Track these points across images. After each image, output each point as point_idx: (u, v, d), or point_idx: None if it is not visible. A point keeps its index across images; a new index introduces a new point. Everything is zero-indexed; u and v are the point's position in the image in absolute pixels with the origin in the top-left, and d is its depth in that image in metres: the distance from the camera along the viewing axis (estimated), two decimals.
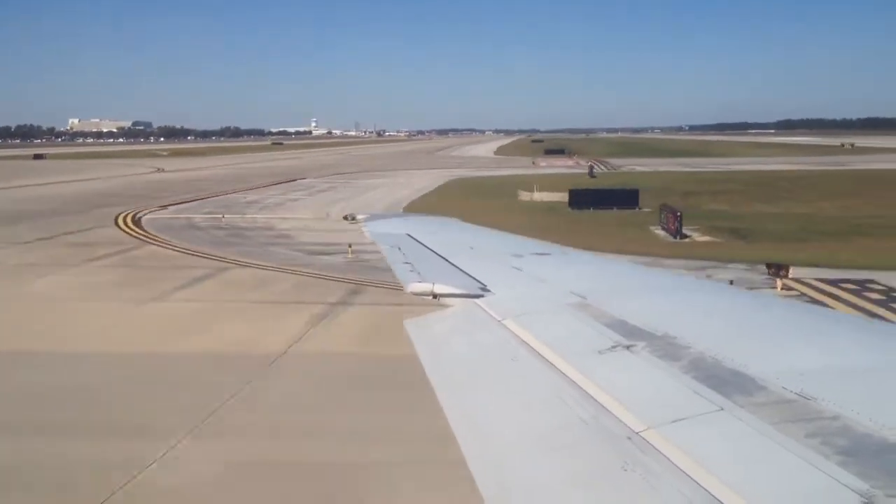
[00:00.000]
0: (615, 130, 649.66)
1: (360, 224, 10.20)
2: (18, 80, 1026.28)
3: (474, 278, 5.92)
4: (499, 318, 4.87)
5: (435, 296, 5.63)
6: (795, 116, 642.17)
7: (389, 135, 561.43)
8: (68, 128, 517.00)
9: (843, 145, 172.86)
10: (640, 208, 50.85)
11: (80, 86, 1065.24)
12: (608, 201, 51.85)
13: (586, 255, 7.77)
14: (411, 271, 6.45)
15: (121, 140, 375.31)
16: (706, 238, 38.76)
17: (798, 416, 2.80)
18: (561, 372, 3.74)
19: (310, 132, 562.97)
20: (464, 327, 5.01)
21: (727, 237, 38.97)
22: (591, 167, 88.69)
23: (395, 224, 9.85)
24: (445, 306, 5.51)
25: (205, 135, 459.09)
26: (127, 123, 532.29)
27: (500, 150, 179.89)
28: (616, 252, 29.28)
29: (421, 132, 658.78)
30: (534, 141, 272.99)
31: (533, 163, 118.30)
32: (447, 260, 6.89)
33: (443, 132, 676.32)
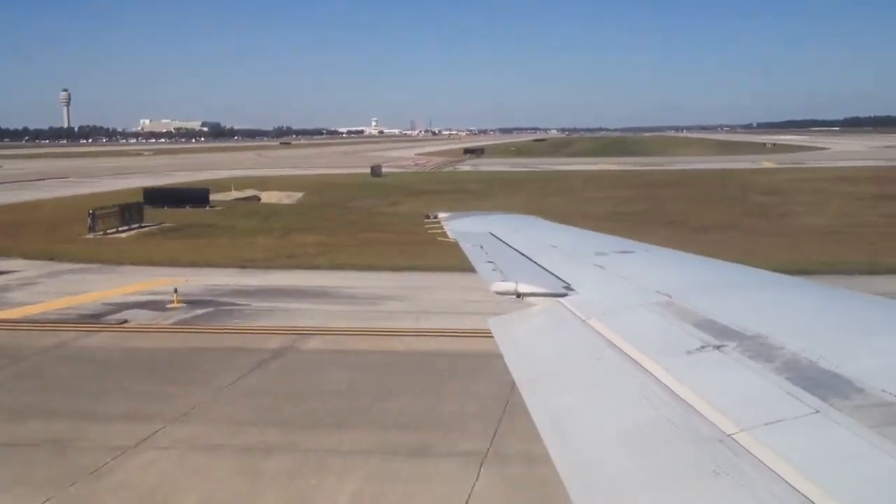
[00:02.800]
0: (681, 128, 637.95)
1: (441, 222, 10.37)
2: (93, 82, 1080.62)
3: (558, 277, 5.92)
4: (583, 318, 4.83)
5: (519, 295, 5.64)
6: (863, 114, 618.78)
7: (450, 134, 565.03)
8: (139, 128, 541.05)
9: (765, 144, 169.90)
10: (211, 206, 52.71)
11: (154, 87, 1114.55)
12: (182, 200, 53.06)
13: (670, 252, 7.72)
14: (494, 270, 6.50)
15: (162, 141, 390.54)
16: (131, 234, 40.80)
17: None
18: (648, 372, 3.69)
19: (362, 132, 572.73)
20: (548, 327, 5.01)
21: (161, 232, 41.00)
22: (375, 168, 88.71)
23: (476, 222, 9.92)
24: (530, 305, 5.52)
25: (252, 134, 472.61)
26: (196, 124, 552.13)
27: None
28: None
29: (483, 131, 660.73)
30: (535, 141, 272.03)
31: (415, 164, 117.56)
32: (530, 258, 6.92)
33: (506, 131, 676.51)
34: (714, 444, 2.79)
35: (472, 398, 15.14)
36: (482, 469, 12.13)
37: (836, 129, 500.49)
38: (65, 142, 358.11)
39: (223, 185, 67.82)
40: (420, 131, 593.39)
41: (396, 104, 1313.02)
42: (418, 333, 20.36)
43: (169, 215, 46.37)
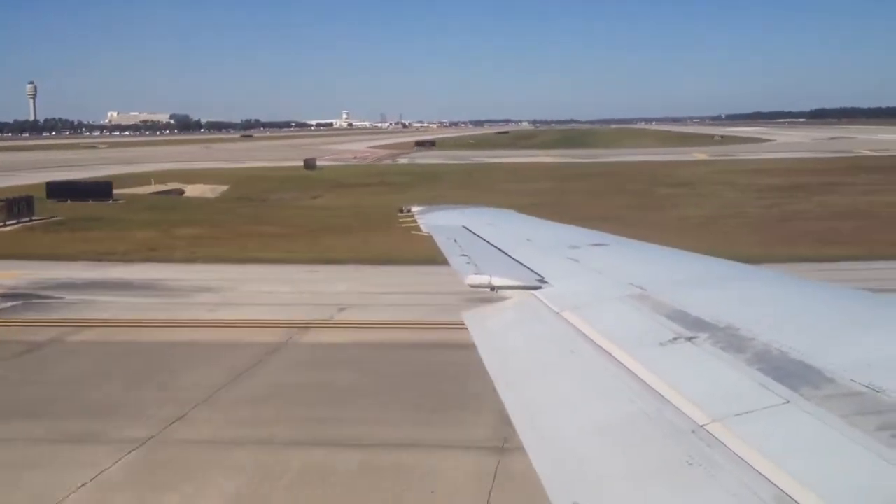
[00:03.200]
0: (651, 120, 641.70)
1: (415, 215, 10.36)
2: (59, 75, 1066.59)
3: (532, 270, 5.92)
4: (557, 310, 4.84)
5: (493, 288, 5.65)
6: (830, 105, 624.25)
7: (421, 126, 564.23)
8: (108, 121, 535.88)
9: (714, 136, 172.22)
10: (114, 200, 52.86)
11: (123, 80, 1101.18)
12: (85, 193, 53.19)
13: (644, 246, 7.83)
14: (468, 263, 6.46)
15: (126, 133, 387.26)
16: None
17: (868, 409, 2.72)
18: (621, 364, 3.71)
19: (331, 124, 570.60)
20: (522, 319, 5.03)
21: (46, 227, 41.07)
22: (308, 161, 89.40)
23: (450, 216, 9.91)
24: (503, 298, 5.53)
25: (219, 126, 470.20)
26: (165, 116, 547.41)
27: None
28: None
29: (455, 123, 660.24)
30: (498, 133, 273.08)
31: (354, 157, 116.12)
32: (504, 252, 6.91)
33: (478, 123, 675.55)
34: (687, 435, 2.82)
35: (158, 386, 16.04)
36: (131, 455, 12.72)
37: (802, 120, 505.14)
38: (27, 135, 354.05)
39: (147, 179, 68.42)
40: (390, 123, 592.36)
41: (369, 97, 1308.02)
42: (174, 325, 20.94)
43: (68, 209, 46.49)
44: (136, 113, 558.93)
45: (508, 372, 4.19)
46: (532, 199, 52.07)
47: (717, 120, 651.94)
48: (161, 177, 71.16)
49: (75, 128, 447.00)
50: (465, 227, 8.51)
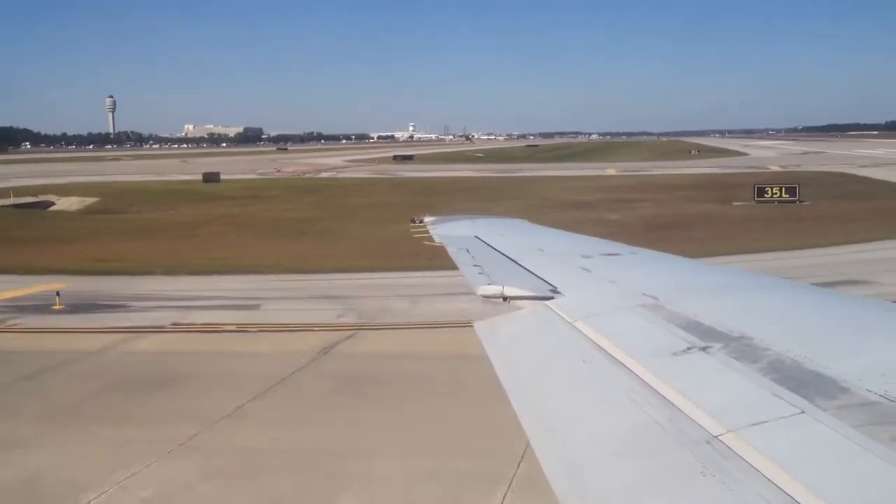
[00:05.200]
0: (724, 132, 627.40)
1: (427, 226, 10.40)
2: (141, 89, 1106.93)
3: (544, 280, 5.93)
4: (570, 320, 4.83)
5: (505, 298, 5.65)
6: None
7: (487, 138, 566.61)
8: (184, 133, 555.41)
9: (690, 151, 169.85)
10: None
11: (200, 94, 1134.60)
12: None
13: (656, 255, 7.84)
14: (480, 274, 6.48)
15: (184, 146, 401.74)
16: None
17: (883, 419, 2.71)
18: (635, 374, 3.71)
19: (392, 137, 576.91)
20: (534, 330, 5.03)
21: None
22: (208, 175, 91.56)
23: (462, 226, 9.89)
24: (516, 308, 5.52)
25: (281, 139, 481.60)
26: (238, 129, 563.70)
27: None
28: None
29: (523, 136, 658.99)
30: (528, 146, 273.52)
31: (277, 170, 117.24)
32: (516, 262, 6.92)
33: (548, 135, 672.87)
34: (701, 446, 2.82)
35: None
36: None
37: (875, 133, 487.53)
38: (91, 147, 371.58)
39: (7, 192, 70.25)
40: (453, 136, 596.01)
41: (436, 109, 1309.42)
42: None
43: None
44: (211, 126, 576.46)
45: (521, 382, 4.18)
46: (340, 210, 55.10)
47: (792, 132, 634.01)
48: (64, 189, 75.16)
49: (143, 140, 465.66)
50: (478, 238, 8.51)
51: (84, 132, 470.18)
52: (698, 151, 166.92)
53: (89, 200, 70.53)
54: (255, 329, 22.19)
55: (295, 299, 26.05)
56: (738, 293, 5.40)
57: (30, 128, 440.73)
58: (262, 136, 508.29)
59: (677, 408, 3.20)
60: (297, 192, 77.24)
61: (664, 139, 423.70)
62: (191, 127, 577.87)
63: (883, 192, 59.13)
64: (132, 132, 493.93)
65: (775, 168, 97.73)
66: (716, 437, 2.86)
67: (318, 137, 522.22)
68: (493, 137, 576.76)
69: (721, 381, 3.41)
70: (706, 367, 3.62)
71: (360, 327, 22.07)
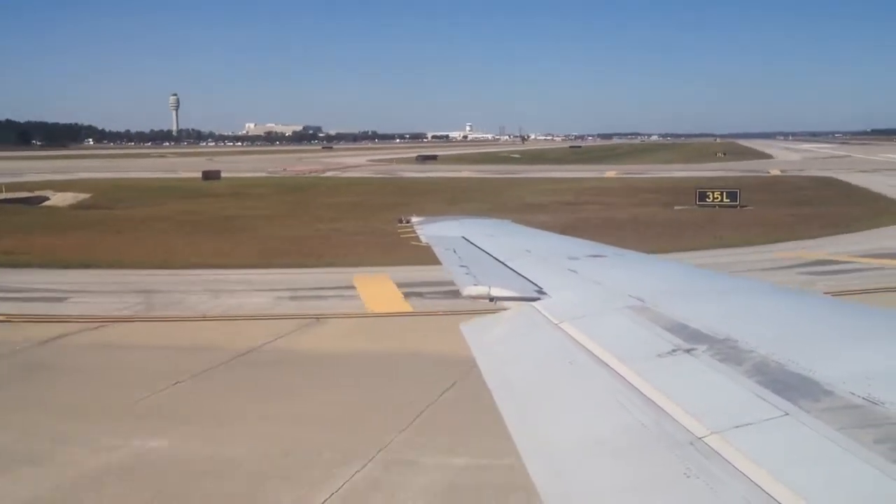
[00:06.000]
0: (788, 135, 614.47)
1: (414, 226, 10.44)
2: (204, 87, 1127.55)
3: (531, 281, 5.95)
4: (556, 322, 4.86)
5: (492, 299, 5.69)
6: None
7: (545, 138, 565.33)
8: (245, 131, 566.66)
9: (716, 154, 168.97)
10: None
11: (262, 93, 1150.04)
12: None
13: (642, 257, 7.91)
14: (467, 274, 6.50)
15: (238, 144, 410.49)
16: None
17: (866, 422, 2.73)
18: (620, 376, 3.73)
19: (447, 136, 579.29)
20: (521, 330, 5.04)
21: None
22: (207, 172, 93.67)
23: (449, 226, 9.95)
24: (502, 309, 5.55)
25: (338, 138, 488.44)
26: (298, 127, 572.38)
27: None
28: None
29: (581, 136, 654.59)
30: (571, 147, 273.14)
31: (284, 169, 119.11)
32: (503, 263, 6.94)
33: (606, 136, 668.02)
34: (685, 448, 2.84)
35: None
36: None
37: None
38: (149, 144, 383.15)
39: (29, 187, 73.65)
40: (509, 136, 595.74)
41: (494, 108, 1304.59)
42: None
43: None
44: (272, 124, 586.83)
45: (507, 383, 4.19)
46: (306, 210, 57.47)
47: (859, 135, 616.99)
48: (68, 185, 77.19)
49: (202, 137, 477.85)
50: (465, 238, 8.57)
51: (147, 129, 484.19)
52: (724, 154, 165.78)
53: (82, 196, 72.10)
54: (20, 320, 23.08)
55: (107, 293, 26.95)
56: (724, 296, 5.43)
57: (95, 124, 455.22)
58: (320, 135, 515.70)
59: (662, 409, 3.23)
60: (281, 190, 78.51)
61: (719, 141, 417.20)
62: (252, 125, 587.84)
63: (839, 200, 58.64)
64: (192, 130, 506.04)
65: (776, 172, 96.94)
66: (700, 438, 2.87)
67: (373, 136, 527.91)
68: (550, 138, 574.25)
69: (706, 383, 3.43)
70: (691, 369, 3.65)
71: (117, 320, 22.99)
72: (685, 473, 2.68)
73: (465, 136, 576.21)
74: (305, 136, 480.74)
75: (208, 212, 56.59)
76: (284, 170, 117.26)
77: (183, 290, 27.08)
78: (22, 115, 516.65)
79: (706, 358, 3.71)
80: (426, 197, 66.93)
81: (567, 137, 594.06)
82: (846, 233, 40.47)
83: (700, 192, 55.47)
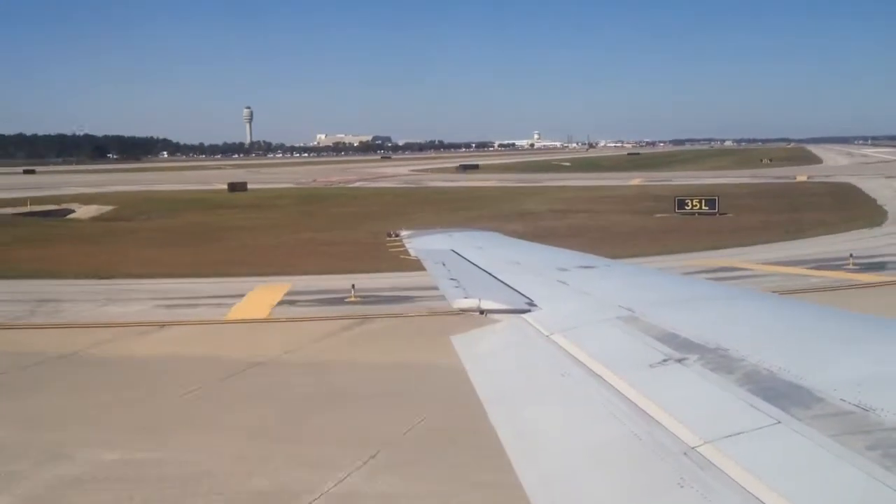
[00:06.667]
0: (868, 139, 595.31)
1: (403, 239, 10.43)
2: (276, 100, 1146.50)
3: (521, 293, 5.95)
4: (546, 333, 4.86)
5: (482, 311, 5.68)
6: None
7: (612, 146, 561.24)
8: (315, 143, 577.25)
9: (761, 160, 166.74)
10: None
11: (334, 105, 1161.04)
12: None
13: (631, 268, 7.94)
14: (456, 287, 6.49)
15: (304, 155, 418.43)
16: None
17: (858, 428, 2.74)
18: (612, 387, 3.73)
19: (513, 145, 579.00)
20: (511, 343, 5.06)
21: None
22: (233, 184, 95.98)
23: (438, 240, 9.95)
24: (493, 322, 5.54)
25: (404, 148, 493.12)
26: (367, 138, 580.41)
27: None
28: None
29: (652, 143, 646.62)
30: (630, 154, 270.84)
31: (314, 180, 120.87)
32: (493, 275, 6.93)
33: (678, 142, 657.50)
34: (678, 457, 2.85)
35: None
36: None
37: None
38: (219, 156, 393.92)
39: (24, 201, 74.41)
40: (576, 144, 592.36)
41: (562, 116, 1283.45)
42: None
43: None
44: (342, 135, 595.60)
45: (499, 395, 4.21)
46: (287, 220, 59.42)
47: None
48: (94, 199, 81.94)
49: (271, 149, 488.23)
50: (454, 251, 8.56)
51: (220, 142, 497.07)
52: (770, 160, 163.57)
53: (106, 209, 74.75)
54: None
55: (8, 302, 28.02)
56: (714, 305, 5.45)
57: (170, 138, 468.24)
58: (388, 145, 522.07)
59: (654, 419, 3.22)
60: (299, 201, 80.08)
61: (791, 146, 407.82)
62: (322, 136, 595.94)
63: (828, 206, 58.39)
64: (264, 142, 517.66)
65: (801, 178, 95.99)
66: (693, 448, 2.87)
67: (439, 146, 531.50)
68: (620, 145, 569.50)
69: (697, 393, 3.44)
70: (683, 378, 3.66)
71: None
72: (679, 483, 2.68)
73: (532, 145, 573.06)
74: (372, 147, 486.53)
75: (211, 223, 57.96)
76: (314, 181, 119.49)
77: (78, 300, 28.19)
78: (101, 130, 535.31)
79: (697, 367, 3.73)
80: (431, 206, 68.53)
81: (638, 144, 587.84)
82: (794, 239, 41.15)
83: (679, 200, 55.78)
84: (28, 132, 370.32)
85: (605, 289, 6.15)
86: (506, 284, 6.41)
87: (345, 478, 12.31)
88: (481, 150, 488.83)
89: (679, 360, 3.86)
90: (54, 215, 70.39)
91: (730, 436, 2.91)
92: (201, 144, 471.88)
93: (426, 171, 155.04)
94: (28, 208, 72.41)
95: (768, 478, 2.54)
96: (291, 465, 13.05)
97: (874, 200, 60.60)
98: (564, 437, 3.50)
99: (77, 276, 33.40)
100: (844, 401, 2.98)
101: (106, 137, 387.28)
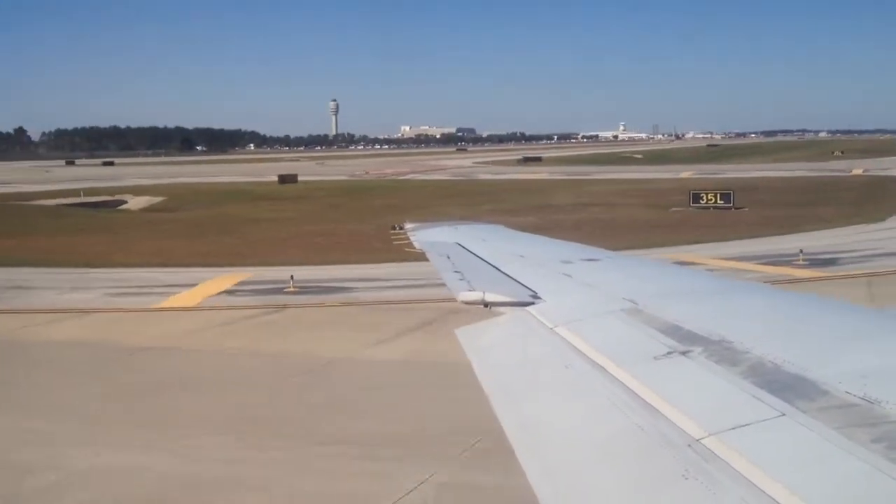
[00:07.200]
0: None
1: (408, 232, 10.44)
2: (362, 93, 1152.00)
3: (525, 286, 5.97)
4: (551, 326, 4.87)
5: (486, 304, 5.68)
6: None
7: (704, 137, 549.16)
8: (399, 135, 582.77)
9: (832, 153, 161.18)
10: None
11: (418, 97, 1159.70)
12: None
13: (635, 260, 7.92)
14: (461, 280, 6.49)
15: (385, 147, 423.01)
16: None
17: (863, 421, 2.73)
18: (616, 379, 3.74)
19: (596, 136, 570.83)
20: (515, 336, 5.06)
21: None
22: (283, 176, 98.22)
23: (443, 232, 9.96)
24: (497, 315, 5.55)
25: (480, 140, 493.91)
26: (451, 130, 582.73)
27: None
28: None
29: (741, 134, 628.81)
30: (709, 146, 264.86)
31: (366, 172, 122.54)
32: (497, 268, 6.94)
33: (770, 133, 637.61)
34: (683, 450, 2.84)
35: None
36: None
37: None
38: (302, 148, 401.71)
39: (77, 192, 78.11)
40: (663, 135, 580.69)
41: (650, 106, 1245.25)
42: None
43: None
44: (427, 127, 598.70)
45: (503, 388, 4.21)
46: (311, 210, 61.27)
47: None
48: (147, 190, 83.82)
49: (354, 141, 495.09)
50: (458, 244, 8.56)
51: (306, 134, 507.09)
52: (842, 153, 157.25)
53: (156, 200, 77.78)
54: None
55: None
56: (718, 297, 5.44)
57: (258, 130, 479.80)
58: (471, 137, 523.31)
59: (659, 412, 3.23)
60: (341, 193, 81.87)
61: (884, 137, 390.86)
62: (407, 128, 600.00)
63: (851, 200, 57.22)
64: (347, 134, 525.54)
65: (857, 171, 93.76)
66: (697, 440, 2.88)
67: (520, 138, 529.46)
68: (710, 136, 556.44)
69: (702, 385, 3.43)
70: (687, 370, 3.65)
71: None
72: (683, 475, 2.68)
73: (616, 136, 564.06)
74: (453, 139, 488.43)
75: (239, 214, 59.30)
76: (367, 172, 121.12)
77: (46, 287, 29.67)
78: (191, 122, 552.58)
79: (702, 359, 3.72)
80: (460, 198, 69.53)
81: (727, 135, 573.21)
82: (786, 234, 40.72)
83: (694, 193, 55.35)
84: (122, 125, 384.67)
85: (609, 281, 6.16)
86: (510, 277, 6.42)
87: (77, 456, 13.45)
88: (563, 141, 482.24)
89: (683, 353, 3.87)
90: (106, 206, 72.92)
91: (734, 428, 2.91)
92: (287, 137, 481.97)
93: (488, 163, 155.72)
94: (81, 199, 75.69)
95: (773, 470, 2.54)
96: (53, 443, 14.10)
97: None
98: (568, 429, 3.52)
99: (66, 265, 34.85)
100: (849, 393, 2.98)
101: (197, 130, 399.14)
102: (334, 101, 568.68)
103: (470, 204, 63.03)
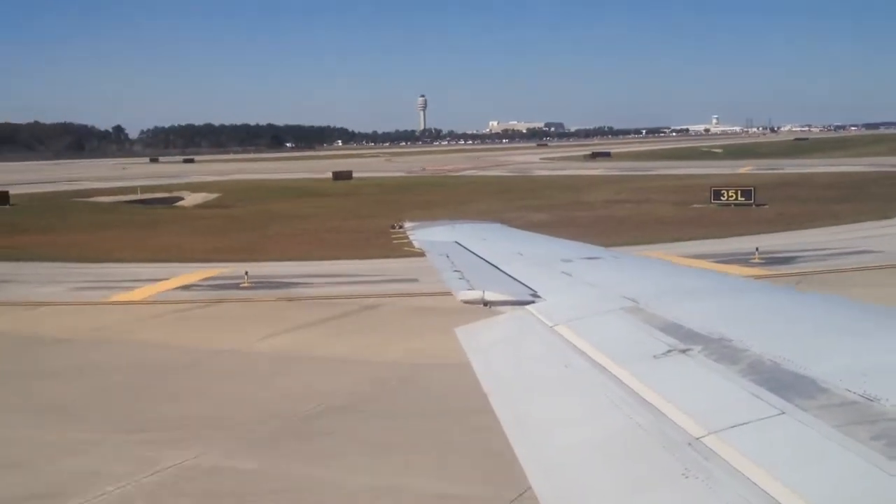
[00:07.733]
0: None
1: (407, 231, 10.40)
2: (451, 88, 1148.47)
3: (525, 284, 5.95)
4: (551, 325, 4.86)
5: (486, 303, 5.67)
6: None
7: (798, 131, 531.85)
8: (487, 130, 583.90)
9: None
10: (11, 205, 65.29)
11: (505, 91, 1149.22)
12: None
13: (636, 258, 7.91)
14: (460, 279, 6.47)
15: (469, 142, 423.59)
16: None
17: (862, 418, 2.73)
18: (616, 377, 3.73)
19: (687, 130, 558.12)
20: (515, 334, 5.08)
21: None
22: (338, 173, 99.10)
23: (442, 231, 9.96)
24: (496, 314, 5.55)
25: (567, 135, 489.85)
26: (539, 124, 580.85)
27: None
28: None
29: (841, 127, 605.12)
30: (797, 140, 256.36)
31: (423, 168, 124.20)
32: (496, 267, 6.93)
33: (872, 126, 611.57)
34: (683, 448, 2.84)
35: None
36: None
37: None
38: (387, 144, 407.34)
39: (134, 189, 78.63)
40: (758, 128, 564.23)
41: (745, 99, 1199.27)
42: None
43: None
44: (515, 122, 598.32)
45: (503, 387, 4.22)
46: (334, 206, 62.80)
47: None
48: (204, 187, 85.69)
49: (440, 136, 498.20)
50: (458, 243, 8.56)
51: (393, 130, 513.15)
52: None
53: (211, 196, 78.76)
54: None
55: None
56: (718, 296, 5.44)
57: (347, 126, 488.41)
58: (555, 132, 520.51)
59: (658, 410, 3.23)
60: (390, 189, 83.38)
61: None
62: (495, 123, 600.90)
63: (876, 198, 55.80)
64: (434, 129, 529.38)
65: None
66: (697, 438, 2.88)
67: (608, 132, 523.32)
68: (808, 129, 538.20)
69: (702, 383, 3.45)
70: (687, 369, 3.66)
71: None
72: (683, 474, 2.68)
73: (707, 130, 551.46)
74: (539, 133, 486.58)
75: (281, 210, 60.33)
76: (424, 169, 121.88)
77: (26, 282, 30.67)
78: (281, 120, 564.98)
79: (701, 358, 3.72)
80: (504, 195, 69.95)
81: (826, 128, 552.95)
82: (781, 231, 40.58)
83: (715, 190, 54.80)
84: (216, 122, 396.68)
85: (609, 280, 6.16)
86: (510, 276, 6.41)
87: None
88: (652, 136, 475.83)
89: (683, 351, 3.87)
90: (163, 203, 74.37)
91: (734, 426, 2.91)
92: (374, 133, 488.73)
93: (555, 158, 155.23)
94: (139, 196, 77.29)
95: (773, 468, 2.54)
96: None
97: None
98: (568, 427, 3.52)
99: (70, 260, 35.72)
100: (849, 391, 2.97)
101: (287, 127, 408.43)
102: (423, 96, 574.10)
103: (505, 200, 63.39)
